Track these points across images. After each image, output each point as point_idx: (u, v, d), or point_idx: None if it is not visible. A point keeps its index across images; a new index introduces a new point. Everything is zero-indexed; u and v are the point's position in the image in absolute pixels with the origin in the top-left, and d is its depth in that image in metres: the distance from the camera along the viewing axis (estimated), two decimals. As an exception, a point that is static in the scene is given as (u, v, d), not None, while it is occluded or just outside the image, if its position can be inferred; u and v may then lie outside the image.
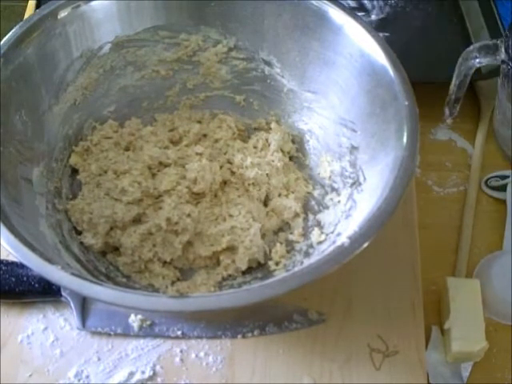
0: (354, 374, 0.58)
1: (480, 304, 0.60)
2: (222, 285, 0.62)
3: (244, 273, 0.63)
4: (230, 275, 0.63)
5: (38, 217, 0.59)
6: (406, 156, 0.54)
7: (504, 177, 0.72)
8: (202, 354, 0.59)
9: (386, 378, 0.58)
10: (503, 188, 0.71)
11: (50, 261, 0.50)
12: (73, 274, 0.49)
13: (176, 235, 0.62)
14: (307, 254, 0.61)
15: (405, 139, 0.55)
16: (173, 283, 0.62)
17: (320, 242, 0.61)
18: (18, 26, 0.61)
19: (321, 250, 0.59)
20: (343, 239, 0.51)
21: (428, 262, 0.65)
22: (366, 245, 0.50)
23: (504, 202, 0.71)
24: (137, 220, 0.64)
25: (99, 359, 0.59)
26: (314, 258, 0.59)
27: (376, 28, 0.82)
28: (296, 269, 0.56)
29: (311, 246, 0.62)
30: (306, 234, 0.64)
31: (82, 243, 0.62)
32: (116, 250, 0.63)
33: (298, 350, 0.60)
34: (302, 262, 0.60)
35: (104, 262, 0.62)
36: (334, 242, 0.57)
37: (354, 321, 0.61)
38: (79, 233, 0.63)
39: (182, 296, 0.56)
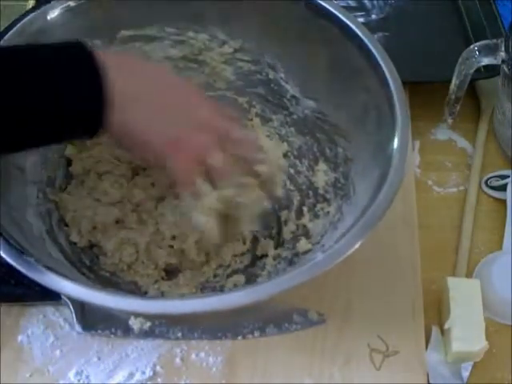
0: (354, 374, 0.58)
1: (480, 304, 0.60)
2: (205, 287, 0.62)
3: (228, 276, 0.63)
4: (215, 275, 0.63)
5: (26, 206, 0.59)
6: (392, 172, 0.53)
7: (504, 177, 0.72)
8: (202, 355, 0.59)
9: (386, 378, 0.58)
10: (503, 188, 0.71)
11: (23, 250, 0.49)
12: (44, 265, 0.49)
13: (160, 247, 0.62)
14: (292, 263, 0.61)
15: (394, 154, 0.54)
16: (156, 282, 0.62)
17: (305, 252, 0.61)
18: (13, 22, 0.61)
19: (306, 260, 0.59)
20: (318, 253, 0.51)
21: (428, 262, 0.65)
22: (339, 260, 0.50)
23: (504, 201, 0.71)
24: (120, 221, 0.63)
25: (99, 359, 0.59)
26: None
27: (376, 28, 0.83)
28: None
29: (296, 254, 0.62)
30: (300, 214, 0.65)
31: (69, 235, 0.62)
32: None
33: (298, 351, 0.60)
34: (285, 270, 0.60)
35: (90, 255, 0.62)
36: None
37: (353, 321, 0.61)
38: (67, 224, 0.63)
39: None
